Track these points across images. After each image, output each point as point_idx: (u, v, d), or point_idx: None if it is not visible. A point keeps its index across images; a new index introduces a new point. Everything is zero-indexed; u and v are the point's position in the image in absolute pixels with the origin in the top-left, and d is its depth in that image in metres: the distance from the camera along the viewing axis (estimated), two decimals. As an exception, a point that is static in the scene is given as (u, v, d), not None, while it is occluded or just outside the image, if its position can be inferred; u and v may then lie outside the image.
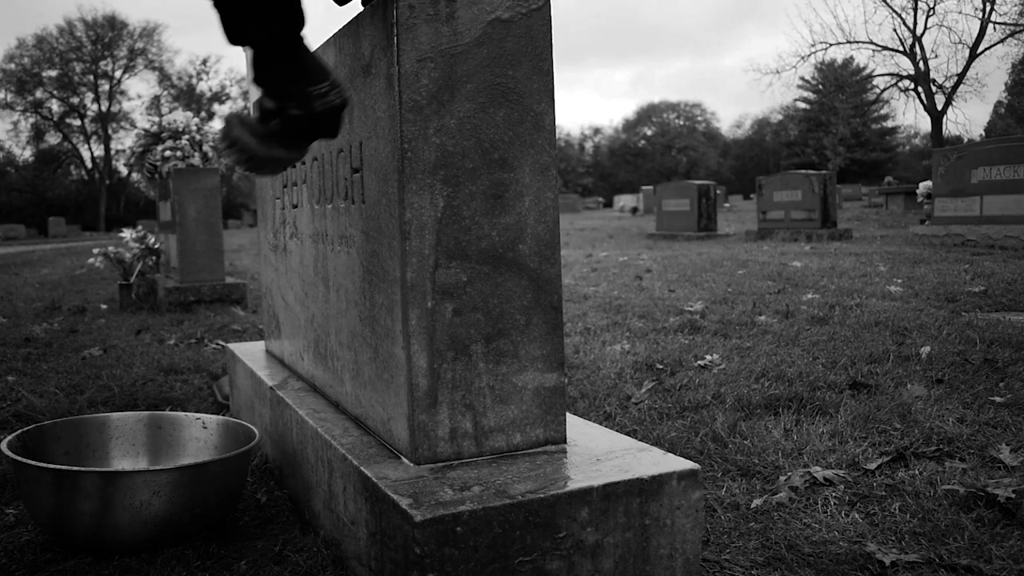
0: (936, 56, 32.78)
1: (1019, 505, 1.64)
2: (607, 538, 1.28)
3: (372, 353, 1.53)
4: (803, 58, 31.83)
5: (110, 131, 47.53)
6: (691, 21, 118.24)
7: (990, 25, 26.91)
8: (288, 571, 1.48)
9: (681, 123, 64.43)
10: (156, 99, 48.85)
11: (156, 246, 6.22)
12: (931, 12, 28.07)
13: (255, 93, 1.47)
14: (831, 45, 30.07)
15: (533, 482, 1.28)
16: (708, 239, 12.36)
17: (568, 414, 1.55)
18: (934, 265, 6.39)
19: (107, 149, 46.97)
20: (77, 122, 48.08)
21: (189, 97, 49.24)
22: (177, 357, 3.60)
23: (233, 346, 2.69)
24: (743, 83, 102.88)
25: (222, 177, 6.48)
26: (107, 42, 46.66)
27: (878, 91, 34.04)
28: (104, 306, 5.87)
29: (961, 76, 28.10)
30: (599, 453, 1.43)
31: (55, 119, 47.49)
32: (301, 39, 1.28)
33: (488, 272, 1.40)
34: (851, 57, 42.78)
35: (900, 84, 30.02)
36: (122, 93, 51.64)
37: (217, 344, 4.00)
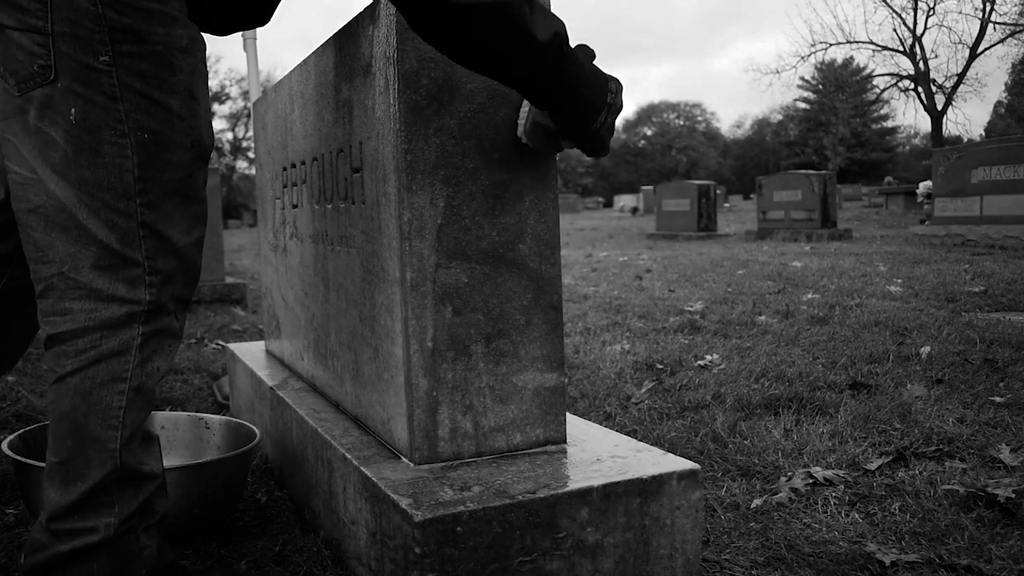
0: (936, 56, 32.87)
1: (1019, 505, 1.64)
2: (607, 538, 1.28)
3: (372, 353, 1.53)
4: (803, 58, 31.93)
5: (110, 131, 47.50)
6: (678, 25, 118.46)
7: (990, 25, 26.92)
8: (288, 571, 1.48)
9: (681, 123, 64.46)
10: (156, 99, 48.78)
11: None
12: (931, 12, 28.07)
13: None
14: (831, 45, 30.10)
15: (533, 482, 1.29)
16: (708, 239, 12.37)
17: (568, 414, 1.55)
18: (934, 265, 6.39)
19: (107, 149, 46.97)
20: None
21: (189, 97, 49.15)
22: (177, 357, 3.60)
23: (233, 346, 2.69)
24: (735, 85, 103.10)
25: (222, 177, 6.48)
26: (107, 42, 46.59)
27: (878, 91, 34.04)
28: (104, 306, 5.87)
29: (961, 76, 28.11)
30: (599, 453, 1.43)
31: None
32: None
33: (488, 272, 1.40)
34: (851, 57, 42.84)
35: (900, 84, 30.03)
36: (122, 93, 51.49)
37: (217, 344, 4.00)
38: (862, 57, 59.13)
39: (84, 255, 1.15)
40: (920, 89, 29.08)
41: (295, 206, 2.03)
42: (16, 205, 1.17)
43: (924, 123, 56.44)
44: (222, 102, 47.79)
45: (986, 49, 27.71)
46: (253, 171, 40.37)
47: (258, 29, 6.10)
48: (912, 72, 29.27)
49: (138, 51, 1.13)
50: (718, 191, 19.22)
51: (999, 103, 42.19)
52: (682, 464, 1.35)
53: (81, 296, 1.16)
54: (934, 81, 28.81)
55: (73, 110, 1.12)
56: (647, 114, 64.97)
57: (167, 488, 1.46)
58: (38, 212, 1.15)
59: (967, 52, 27.78)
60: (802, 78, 44.31)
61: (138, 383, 1.19)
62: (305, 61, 1.86)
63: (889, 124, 50.77)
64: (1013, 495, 1.66)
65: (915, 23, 28.80)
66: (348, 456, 1.45)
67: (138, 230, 1.17)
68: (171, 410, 2.64)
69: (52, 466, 1.18)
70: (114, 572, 1.19)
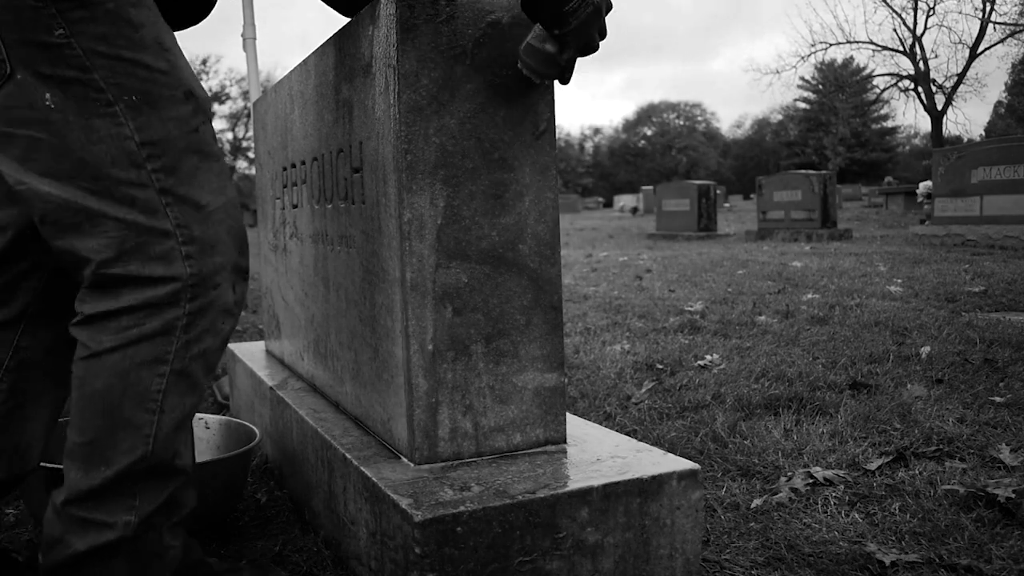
0: (936, 56, 32.89)
1: (1019, 505, 1.64)
2: (607, 538, 1.28)
3: (372, 353, 1.53)
4: (803, 58, 31.96)
5: (110, 131, 47.42)
6: (678, 25, 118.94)
7: (990, 25, 26.94)
8: (288, 571, 1.48)
9: (681, 123, 64.47)
10: (156, 99, 48.70)
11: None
12: (931, 12, 28.09)
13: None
14: (831, 45, 30.11)
15: (533, 482, 1.29)
16: (708, 239, 12.37)
17: (568, 414, 1.55)
18: (934, 265, 6.40)
19: (107, 149, 46.88)
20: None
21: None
22: (177, 357, 3.60)
23: (233, 346, 2.69)
24: (735, 85, 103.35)
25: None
26: (107, 42, 46.52)
27: (878, 91, 34.05)
28: (104, 306, 5.86)
29: (961, 76, 28.12)
30: (599, 453, 1.43)
31: (55, 119, 47.30)
32: None
33: (488, 272, 1.40)
34: (851, 57, 42.89)
35: (900, 84, 30.05)
36: (122, 93, 51.42)
37: (217, 344, 3.99)
38: (862, 57, 59.25)
39: (108, 244, 1.09)
40: (920, 89, 29.09)
41: (295, 206, 2.03)
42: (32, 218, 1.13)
43: (924, 123, 56.48)
44: (222, 102, 47.76)
45: (986, 49, 27.74)
46: (253, 171, 40.37)
47: (258, 29, 6.09)
48: (912, 72, 29.28)
49: (90, 15, 1.06)
50: (718, 191, 19.22)
51: (999, 103, 42.21)
52: (682, 464, 1.35)
53: (119, 285, 1.10)
54: (934, 81, 28.83)
55: (48, 95, 1.05)
56: (647, 114, 64.99)
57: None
58: (45, 222, 1.10)
59: (967, 52, 27.81)
60: (802, 78, 44.41)
61: (181, 366, 1.13)
62: (305, 61, 1.86)
63: (889, 124, 50.81)
64: (1013, 495, 1.66)
65: (915, 23, 28.85)
66: (348, 456, 1.45)
67: (159, 198, 1.10)
68: (171, 410, 2.63)
69: (75, 446, 1.11)
70: (133, 574, 1.13)
